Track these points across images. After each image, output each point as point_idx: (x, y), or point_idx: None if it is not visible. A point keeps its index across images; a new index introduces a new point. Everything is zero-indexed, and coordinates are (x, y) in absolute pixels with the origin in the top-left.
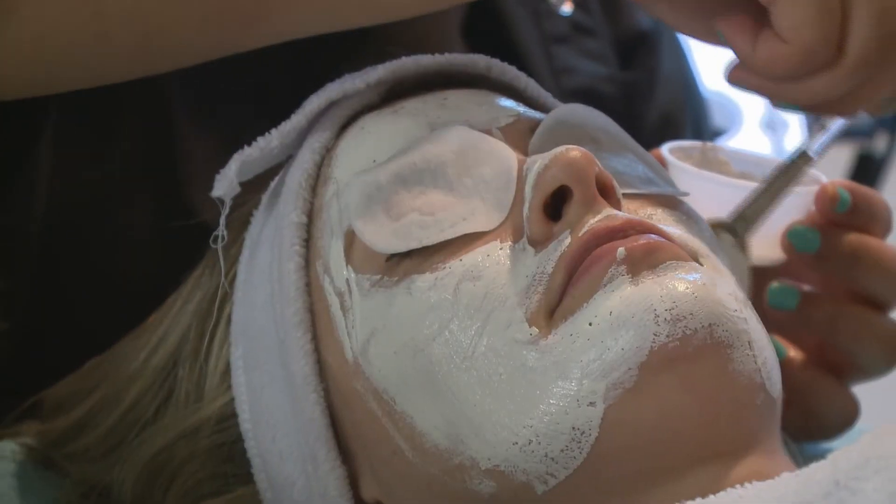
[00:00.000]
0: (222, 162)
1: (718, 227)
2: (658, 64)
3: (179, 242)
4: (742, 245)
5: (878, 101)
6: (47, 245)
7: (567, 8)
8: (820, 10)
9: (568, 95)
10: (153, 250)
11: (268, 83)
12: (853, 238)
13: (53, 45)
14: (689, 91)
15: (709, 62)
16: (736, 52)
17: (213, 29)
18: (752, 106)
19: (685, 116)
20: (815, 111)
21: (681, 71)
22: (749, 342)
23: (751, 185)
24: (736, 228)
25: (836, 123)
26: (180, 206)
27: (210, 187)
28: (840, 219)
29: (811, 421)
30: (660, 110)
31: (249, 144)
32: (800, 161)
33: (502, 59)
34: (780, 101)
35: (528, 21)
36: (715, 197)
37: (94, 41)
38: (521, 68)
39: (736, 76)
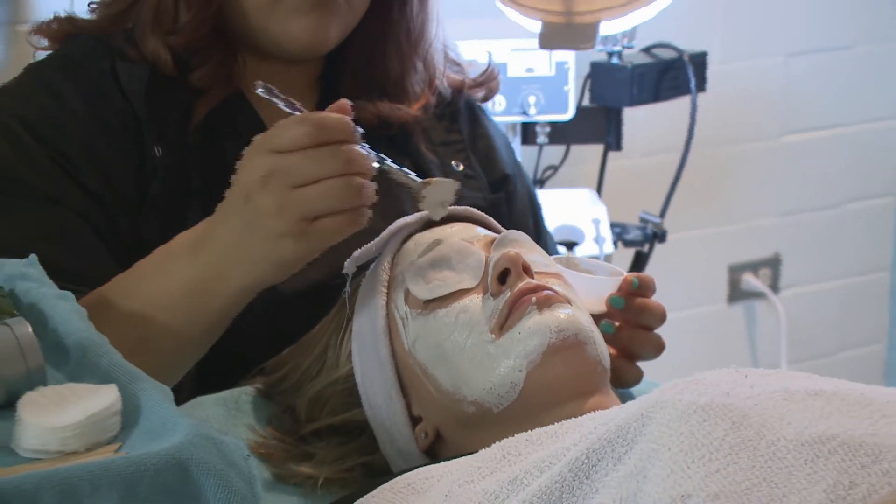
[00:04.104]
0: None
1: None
2: (514, 191)
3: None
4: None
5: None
6: None
7: (461, 167)
8: None
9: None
10: (291, 297)
11: None
12: (639, 300)
13: None
14: (532, 208)
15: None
16: None
17: None
18: (588, 230)
19: (529, 222)
20: None
21: (528, 198)
22: (595, 342)
23: (589, 276)
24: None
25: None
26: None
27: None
28: (634, 292)
29: (621, 380)
30: (514, 217)
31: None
32: (382, 169)
33: None
34: None
35: (439, 173)
36: (573, 279)
37: None
38: None
39: None
